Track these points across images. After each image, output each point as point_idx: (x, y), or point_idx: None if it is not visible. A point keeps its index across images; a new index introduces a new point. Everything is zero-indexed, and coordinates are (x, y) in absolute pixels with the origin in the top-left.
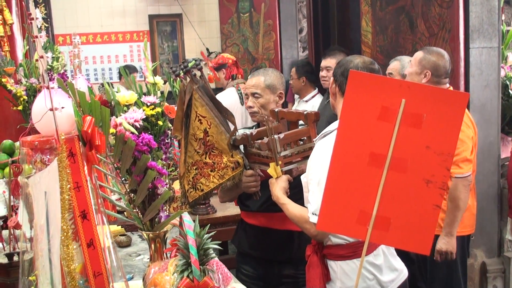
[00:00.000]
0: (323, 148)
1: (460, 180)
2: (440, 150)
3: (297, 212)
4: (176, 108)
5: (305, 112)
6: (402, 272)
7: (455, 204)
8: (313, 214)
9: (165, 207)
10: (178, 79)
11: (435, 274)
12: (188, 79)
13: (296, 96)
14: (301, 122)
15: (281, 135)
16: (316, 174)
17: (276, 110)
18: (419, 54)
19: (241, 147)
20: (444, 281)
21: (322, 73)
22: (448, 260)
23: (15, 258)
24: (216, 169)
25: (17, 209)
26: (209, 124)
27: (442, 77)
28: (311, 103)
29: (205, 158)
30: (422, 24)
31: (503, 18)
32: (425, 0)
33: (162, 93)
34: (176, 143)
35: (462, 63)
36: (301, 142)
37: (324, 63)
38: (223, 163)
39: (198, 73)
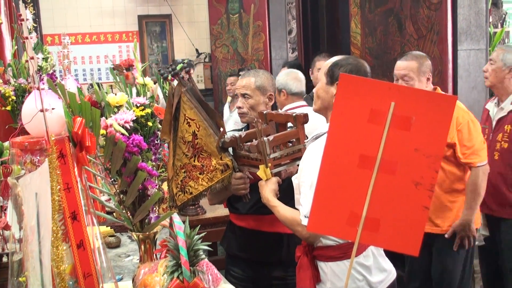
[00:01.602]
0: (315, 151)
1: (481, 168)
2: (428, 152)
3: (289, 215)
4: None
5: (294, 114)
6: (391, 272)
7: (477, 192)
8: (305, 217)
9: (155, 208)
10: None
11: (443, 265)
12: (176, 82)
13: None
14: (289, 124)
15: (271, 137)
16: (308, 176)
17: (265, 112)
18: (413, 64)
19: (230, 149)
20: (454, 272)
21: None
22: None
23: (4, 259)
24: (205, 172)
25: (5, 210)
26: (198, 126)
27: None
28: None
29: (194, 161)
30: (411, 26)
31: (490, 20)
32: (413, 2)
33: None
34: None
35: (450, 65)
36: (290, 144)
37: (320, 64)
38: (212, 165)
39: (186, 76)
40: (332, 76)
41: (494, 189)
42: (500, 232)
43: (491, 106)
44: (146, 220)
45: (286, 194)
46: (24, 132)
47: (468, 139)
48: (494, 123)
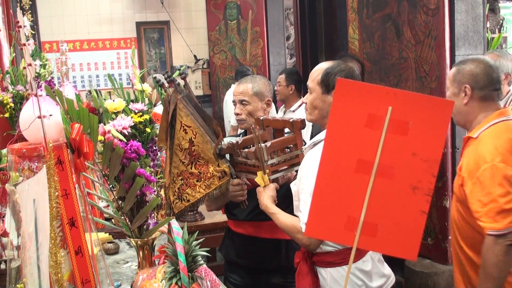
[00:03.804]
0: (314, 158)
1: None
2: (426, 156)
3: (289, 222)
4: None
5: (291, 120)
6: (390, 277)
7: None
8: (305, 224)
9: (153, 214)
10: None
11: None
12: (172, 89)
13: (281, 106)
14: (286, 130)
15: (268, 144)
16: (308, 184)
17: (261, 118)
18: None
19: (227, 156)
20: None
21: None
22: None
23: (2, 266)
24: (202, 179)
25: (4, 216)
26: (195, 133)
27: None
28: (298, 112)
29: (191, 168)
30: (408, 31)
31: (488, 25)
32: (411, 8)
33: (149, 100)
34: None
35: (447, 70)
36: (288, 150)
37: None
38: (209, 172)
39: (182, 83)
40: (327, 85)
41: None
42: None
43: None
44: (145, 226)
45: (284, 200)
46: (22, 138)
47: None
48: None
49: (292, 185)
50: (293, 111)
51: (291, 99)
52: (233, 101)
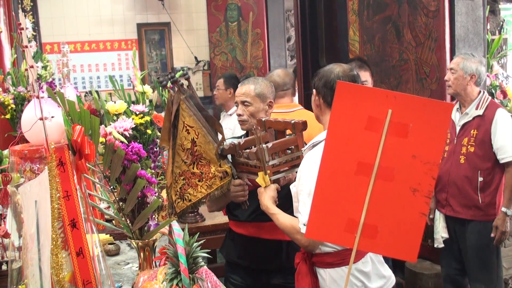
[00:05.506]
0: (313, 159)
1: None
2: (426, 159)
3: (288, 223)
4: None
5: (293, 122)
6: (390, 279)
7: None
8: (304, 225)
9: (154, 216)
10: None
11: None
12: (176, 90)
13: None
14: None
15: (269, 144)
16: (307, 185)
17: (263, 119)
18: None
19: (229, 156)
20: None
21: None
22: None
23: (4, 267)
24: (204, 179)
25: (5, 218)
26: (197, 134)
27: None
28: (235, 116)
29: (193, 168)
30: (409, 33)
31: (488, 27)
32: (411, 10)
33: (150, 101)
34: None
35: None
36: (289, 151)
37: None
38: (211, 173)
39: (185, 83)
40: (315, 86)
41: (459, 191)
42: (465, 233)
43: (452, 112)
44: (145, 228)
45: (285, 201)
46: (23, 140)
47: None
48: (458, 128)
49: (291, 186)
50: (230, 114)
51: (230, 103)
52: (236, 102)
